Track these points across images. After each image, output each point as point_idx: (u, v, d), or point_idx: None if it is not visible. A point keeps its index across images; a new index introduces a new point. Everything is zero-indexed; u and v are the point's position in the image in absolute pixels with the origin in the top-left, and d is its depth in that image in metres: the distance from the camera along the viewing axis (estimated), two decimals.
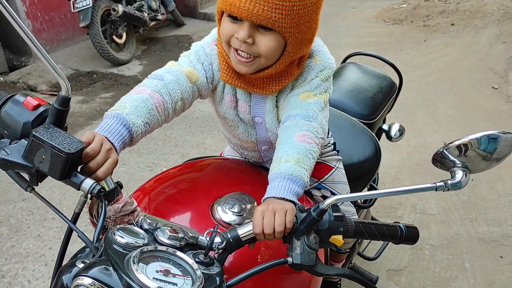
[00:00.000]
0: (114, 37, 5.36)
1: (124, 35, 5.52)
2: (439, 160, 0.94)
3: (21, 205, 2.99)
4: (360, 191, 1.66)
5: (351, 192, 1.48)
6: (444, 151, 0.92)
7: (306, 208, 0.95)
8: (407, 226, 1.05)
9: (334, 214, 0.94)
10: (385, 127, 2.20)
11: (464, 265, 2.45)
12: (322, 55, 1.21)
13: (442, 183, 0.89)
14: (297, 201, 0.97)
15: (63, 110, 0.78)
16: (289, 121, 1.12)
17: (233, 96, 1.23)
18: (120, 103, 1.00)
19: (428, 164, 3.30)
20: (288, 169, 1.00)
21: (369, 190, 1.87)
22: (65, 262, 0.86)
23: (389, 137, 2.24)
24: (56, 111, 0.78)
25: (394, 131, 2.23)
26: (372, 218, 2.28)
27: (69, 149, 0.73)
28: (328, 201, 0.88)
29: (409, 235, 1.05)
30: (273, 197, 0.97)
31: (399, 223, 1.06)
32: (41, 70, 4.98)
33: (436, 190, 0.89)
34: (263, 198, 0.99)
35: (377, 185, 2.04)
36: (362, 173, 1.65)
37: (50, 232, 2.75)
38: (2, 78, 4.86)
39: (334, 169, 1.47)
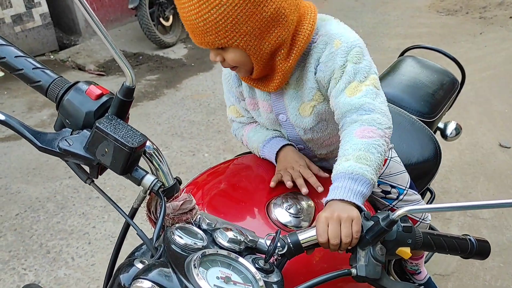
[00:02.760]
0: (161, 19, 5.39)
1: (171, 18, 5.53)
2: None
3: (67, 183, 3.05)
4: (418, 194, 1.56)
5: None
6: None
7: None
8: (477, 240, 0.97)
9: (402, 224, 0.87)
10: (440, 125, 2.08)
11: None
12: (341, 36, 1.08)
13: None
14: (362, 206, 0.90)
15: (126, 101, 0.74)
16: (346, 122, 1.04)
17: (253, 98, 1.24)
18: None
19: (481, 165, 3.17)
20: (347, 168, 0.93)
21: (424, 193, 1.78)
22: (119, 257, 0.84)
23: (444, 136, 2.12)
24: (119, 102, 0.74)
25: (450, 129, 2.11)
26: None
27: (133, 143, 0.69)
28: (399, 212, 0.81)
29: (479, 250, 0.97)
30: (336, 199, 0.91)
31: (469, 235, 0.97)
32: (90, 50, 5.07)
33: None
34: (325, 200, 0.92)
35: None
36: (420, 175, 1.56)
37: (94, 211, 2.80)
38: (52, 56, 4.98)
39: (388, 161, 1.39)
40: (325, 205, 0.93)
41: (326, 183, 0.99)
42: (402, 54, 2.18)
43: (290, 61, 1.08)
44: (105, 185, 2.98)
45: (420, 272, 1.72)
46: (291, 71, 1.12)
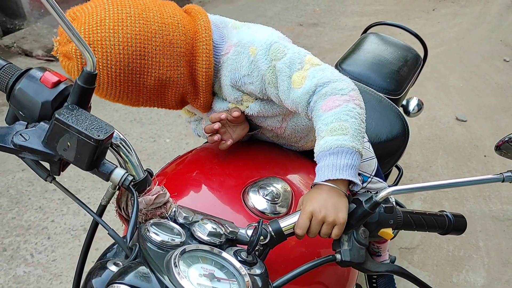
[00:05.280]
0: None
1: None
2: (505, 148, 0.84)
3: (20, 176, 2.89)
4: (387, 171, 1.57)
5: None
6: None
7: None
8: (454, 215, 0.97)
9: (384, 205, 0.85)
10: (403, 101, 2.10)
11: (478, 244, 2.41)
12: (254, 42, 1.01)
13: (510, 174, 0.80)
14: (354, 179, 0.85)
15: (87, 88, 0.67)
16: (312, 108, 0.97)
17: None
18: None
19: (440, 139, 3.25)
20: (324, 145, 0.87)
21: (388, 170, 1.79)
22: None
23: (407, 112, 2.14)
24: (80, 89, 0.66)
25: (412, 106, 2.13)
26: None
27: (99, 135, 0.62)
28: (383, 194, 0.79)
29: (456, 225, 0.97)
30: (323, 182, 0.85)
31: (445, 211, 0.97)
32: (36, 34, 4.78)
33: (503, 182, 0.80)
34: (314, 183, 0.87)
35: None
36: (390, 153, 1.56)
37: (52, 204, 2.67)
38: None
39: None
40: (313, 187, 0.88)
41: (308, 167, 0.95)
42: (365, 31, 2.16)
43: (201, 98, 1.07)
44: (61, 177, 2.84)
45: (381, 255, 1.71)
46: (209, 101, 1.10)
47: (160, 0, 1.01)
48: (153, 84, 0.97)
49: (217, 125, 1.05)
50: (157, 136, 3.28)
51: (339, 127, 0.88)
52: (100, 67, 0.91)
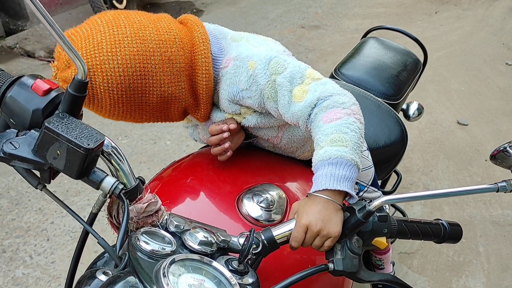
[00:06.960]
0: (114, 1, 5.16)
1: (124, 0, 5.31)
2: (500, 157, 0.83)
3: (20, 177, 2.88)
4: (385, 177, 1.56)
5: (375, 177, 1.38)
6: (508, 148, 0.81)
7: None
8: (450, 224, 0.96)
9: (378, 214, 0.84)
10: (403, 106, 2.09)
11: (478, 249, 2.39)
12: (253, 56, 1.01)
13: (504, 184, 0.79)
14: (350, 191, 0.85)
15: (78, 96, 0.67)
16: (312, 120, 0.97)
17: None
18: None
19: (440, 143, 3.23)
20: (323, 154, 0.87)
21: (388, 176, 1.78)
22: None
23: (407, 117, 2.13)
24: (71, 97, 0.66)
25: (412, 110, 2.13)
26: None
27: (88, 144, 0.62)
28: (376, 203, 0.78)
29: (452, 234, 0.96)
30: (319, 191, 0.85)
31: (441, 220, 0.97)
32: (39, 35, 4.79)
33: (497, 191, 0.79)
34: (310, 192, 0.87)
35: None
36: (388, 158, 1.56)
37: (52, 206, 2.67)
38: None
39: None
40: (308, 196, 0.87)
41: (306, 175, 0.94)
42: (364, 35, 2.16)
43: (202, 109, 1.07)
44: (61, 178, 2.85)
45: (384, 268, 1.70)
46: (209, 112, 1.11)
47: (154, 14, 1.00)
48: (156, 101, 0.97)
49: (226, 134, 1.05)
50: (157, 138, 3.28)
51: (339, 138, 0.88)
52: (102, 90, 0.90)
